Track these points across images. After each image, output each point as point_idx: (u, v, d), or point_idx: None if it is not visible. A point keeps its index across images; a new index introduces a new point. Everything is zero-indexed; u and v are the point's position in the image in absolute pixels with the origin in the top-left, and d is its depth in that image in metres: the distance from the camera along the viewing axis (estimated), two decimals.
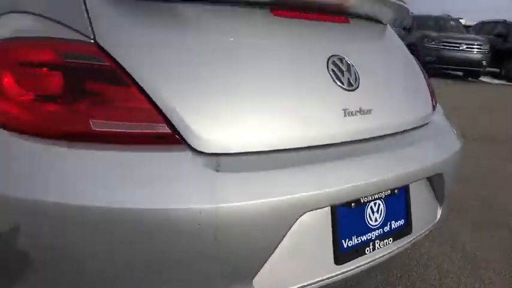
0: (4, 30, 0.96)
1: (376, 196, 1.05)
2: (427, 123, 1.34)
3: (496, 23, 12.03)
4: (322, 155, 0.98)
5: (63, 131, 0.84)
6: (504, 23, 11.55)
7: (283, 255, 0.90)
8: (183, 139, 0.85)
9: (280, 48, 1.04)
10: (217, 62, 0.94)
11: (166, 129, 0.85)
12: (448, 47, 9.69)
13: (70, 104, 0.84)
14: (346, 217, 0.99)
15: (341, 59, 1.10)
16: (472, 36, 10.67)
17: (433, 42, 9.79)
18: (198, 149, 0.85)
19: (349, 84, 1.08)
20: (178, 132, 0.85)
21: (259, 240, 0.85)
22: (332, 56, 1.09)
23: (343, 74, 1.09)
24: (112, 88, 0.85)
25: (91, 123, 0.83)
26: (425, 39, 9.90)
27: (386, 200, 1.08)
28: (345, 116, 1.05)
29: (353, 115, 1.06)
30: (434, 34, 10.16)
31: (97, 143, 0.83)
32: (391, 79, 1.27)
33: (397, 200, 1.12)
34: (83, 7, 0.92)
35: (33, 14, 0.98)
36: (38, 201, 0.78)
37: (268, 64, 1.00)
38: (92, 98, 0.85)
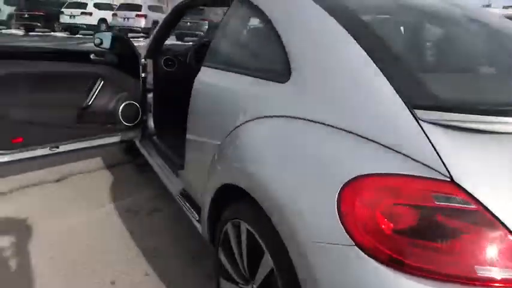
0: (355, 159, 1.04)
1: None
2: None
3: None
4: None
5: (446, 274, 0.87)
6: None
7: None
8: None
9: None
10: None
11: None
12: None
13: (449, 246, 0.88)
14: None
15: None
16: None
17: None
18: None
19: None
20: None
21: None
22: None
23: None
24: (483, 231, 0.87)
25: (473, 268, 0.85)
26: None
27: None
28: None
29: None
30: None
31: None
32: None
33: None
34: (427, 141, 0.96)
35: (378, 143, 1.04)
36: None
37: None
38: (467, 241, 0.87)
